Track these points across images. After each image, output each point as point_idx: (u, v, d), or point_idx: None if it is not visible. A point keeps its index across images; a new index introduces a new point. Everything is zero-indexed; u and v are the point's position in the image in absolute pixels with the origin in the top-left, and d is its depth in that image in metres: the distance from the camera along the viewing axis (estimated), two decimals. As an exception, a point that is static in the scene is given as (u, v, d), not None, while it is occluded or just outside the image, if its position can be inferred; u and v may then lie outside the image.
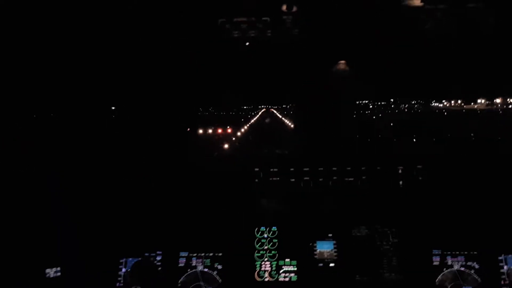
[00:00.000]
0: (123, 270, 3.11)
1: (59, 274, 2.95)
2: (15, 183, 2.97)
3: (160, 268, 3.09)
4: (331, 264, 3.06)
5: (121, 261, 3.12)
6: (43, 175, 3.10)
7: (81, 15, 2.59)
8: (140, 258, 3.10)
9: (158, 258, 3.13)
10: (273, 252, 3.15)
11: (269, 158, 3.47)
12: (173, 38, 2.71)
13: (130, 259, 3.14)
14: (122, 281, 3.08)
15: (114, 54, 3.19)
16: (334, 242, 3.12)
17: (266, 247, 3.16)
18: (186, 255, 3.14)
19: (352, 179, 3.22)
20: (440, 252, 3.00)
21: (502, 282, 2.88)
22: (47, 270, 2.91)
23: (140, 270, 3.00)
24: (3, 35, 2.68)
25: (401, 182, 3.19)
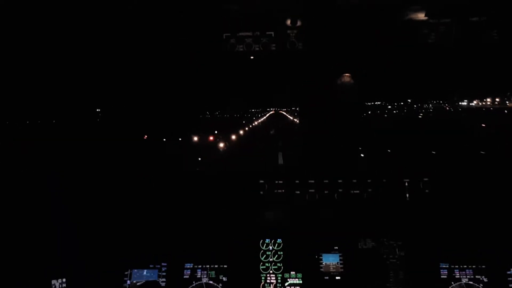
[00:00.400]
0: (128, 282, 3.12)
1: (64, 285, 2.96)
2: (21, 195, 3.01)
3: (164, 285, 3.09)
4: (337, 277, 3.04)
5: (126, 273, 3.13)
6: (49, 188, 3.14)
7: (83, 19, 2.62)
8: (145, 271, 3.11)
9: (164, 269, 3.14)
10: (278, 264, 3.13)
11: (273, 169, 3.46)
12: (178, 42, 2.73)
13: (135, 270, 3.15)
14: (127, 292, 3.08)
15: (118, 59, 3.21)
16: (340, 254, 3.10)
17: (271, 260, 3.15)
18: (191, 266, 3.14)
19: (358, 191, 3.20)
20: (447, 266, 2.96)
21: (512, 296, 2.83)
22: (53, 282, 2.92)
23: None
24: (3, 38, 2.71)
25: (407, 195, 3.16)
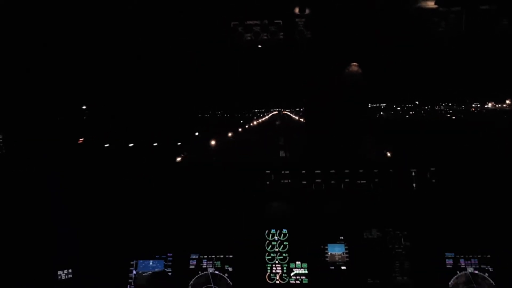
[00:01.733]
0: (134, 272, 3.11)
1: (70, 276, 2.96)
2: (28, 187, 2.98)
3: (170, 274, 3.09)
4: (343, 267, 3.05)
5: (131, 263, 3.12)
6: (53, 180, 3.12)
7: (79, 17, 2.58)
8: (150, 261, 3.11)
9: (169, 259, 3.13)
10: (283, 254, 3.14)
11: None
12: (185, 33, 2.68)
13: (141, 261, 3.14)
14: (132, 283, 3.08)
15: (119, 55, 3.17)
16: (346, 244, 3.10)
17: (276, 250, 3.16)
18: (196, 257, 3.14)
19: (364, 181, 3.20)
20: (453, 255, 2.97)
21: (517, 285, 2.85)
22: (59, 272, 2.92)
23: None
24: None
25: (414, 185, 3.17)
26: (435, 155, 3.31)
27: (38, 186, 3.01)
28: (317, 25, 2.55)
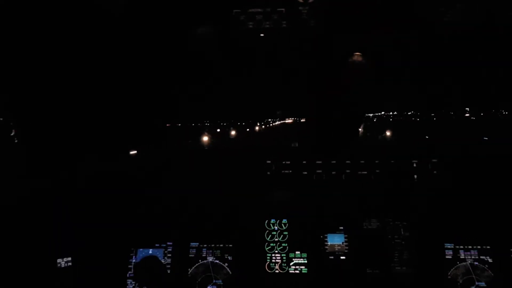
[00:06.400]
0: (134, 261, 3.12)
1: (70, 264, 2.95)
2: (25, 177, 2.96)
3: (168, 262, 3.09)
4: (342, 257, 3.06)
5: (131, 251, 3.12)
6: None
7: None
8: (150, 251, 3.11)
9: (169, 249, 3.14)
10: (283, 244, 3.14)
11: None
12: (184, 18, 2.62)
13: (141, 249, 3.14)
14: (132, 271, 3.09)
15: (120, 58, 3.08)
16: (345, 235, 3.11)
17: (276, 240, 3.16)
18: (196, 245, 3.14)
19: (365, 172, 3.19)
20: (452, 246, 2.98)
21: (515, 276, 2.86)
22: (59, 260, 2.91)
23: (147, 270, 2.98)
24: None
25: (415, 176, 3.16)
26: (436, 146, 3.27)
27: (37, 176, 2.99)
28: (321, 13, 2.49)
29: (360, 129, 3.57)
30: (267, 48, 3.00)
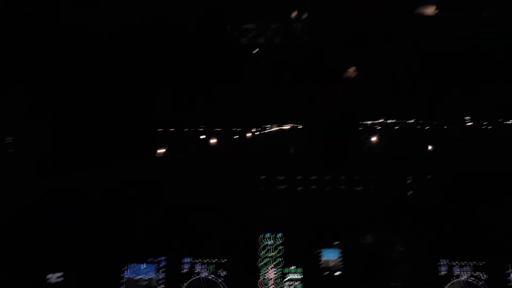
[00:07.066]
0: (126, 276, 3.07)
1: (61, 279, 2.92)
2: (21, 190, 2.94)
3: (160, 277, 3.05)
4: (337, 273, 3.03)
5: (123, 267, 3.09)
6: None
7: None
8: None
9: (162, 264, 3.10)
10: (278, 259, 3.11)
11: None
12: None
13: (133, 264, 3.11)
14: (125, 286, 3.04)
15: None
16: (341, 250, 3.09)
17: (271, 254, 3.13)
18: (189, 261, 3.11)
19: (360, 188, 3.19)
20: (447, 262, 2.97)
21: (510, 293, 2.85)
22: (49, 276, 2.88)
23: None
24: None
25: (411, 192, 3.16)
26: (431, 162, 3.28)
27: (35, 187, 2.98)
28: (314, 29, 2.52)
29: (356, 141, 3.57)
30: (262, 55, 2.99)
